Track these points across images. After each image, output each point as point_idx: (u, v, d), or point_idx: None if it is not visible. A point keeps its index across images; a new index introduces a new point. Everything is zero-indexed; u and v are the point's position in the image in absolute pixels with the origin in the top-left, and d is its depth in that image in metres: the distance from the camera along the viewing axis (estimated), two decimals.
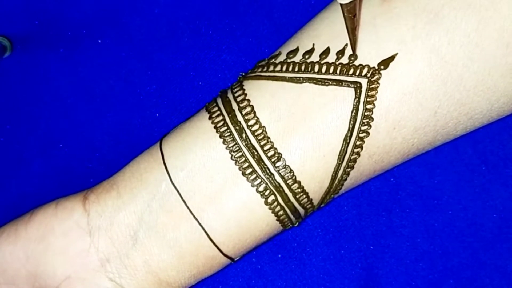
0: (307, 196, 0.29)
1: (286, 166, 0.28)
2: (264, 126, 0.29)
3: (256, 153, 0.29)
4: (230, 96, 0.30)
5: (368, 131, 0.28)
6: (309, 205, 0.30)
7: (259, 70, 0.30)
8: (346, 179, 0.30)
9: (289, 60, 0.30)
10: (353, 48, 0.28)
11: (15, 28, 0.38)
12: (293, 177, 0.29)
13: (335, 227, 0.35)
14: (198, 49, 0.37)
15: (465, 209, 0.35)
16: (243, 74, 0.31)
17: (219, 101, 0.31)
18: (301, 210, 0.30)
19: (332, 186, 0.29)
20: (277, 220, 0.30)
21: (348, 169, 0.29)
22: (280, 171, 0.28)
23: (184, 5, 0.37)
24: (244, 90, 0.30)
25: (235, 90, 0.30)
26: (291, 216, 0.30)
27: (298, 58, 0.29)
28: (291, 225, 0.31)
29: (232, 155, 0.29)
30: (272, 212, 0.29)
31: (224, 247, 0.30)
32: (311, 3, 0.36)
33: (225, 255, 0.30)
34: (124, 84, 0.38)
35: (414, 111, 0.28)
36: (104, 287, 0.29)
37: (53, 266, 0.30)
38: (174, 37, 0.38)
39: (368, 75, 0.28)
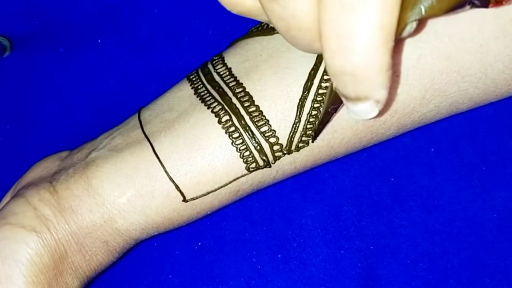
0: (269, 125, 0.28)
1: (246, 92, 0.28)
2: (230, 68, 0.30)
3: (217, 84, 0.30)
4: (208, 61, 0.32)
5: None
6: (272, 138, 0.28)
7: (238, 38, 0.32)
8: (317, 117, 0.28)
9: (265, 25, 0.30)
10: (315, 136, 0.28)
11: (15, 28, 0.38)
12: (251, 101, 0.28)
13: (335, 227, 0.35)
14: (198, 49, 0.37)
15: (465, 209, 0.35)
16: None
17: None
18: (264, 143, 0.28)
19: (300, 121, 0.28)
20: (232, 145, 0.28)
21: (317, 105, 0.28)
22: (238, 96, 0.29)
23: (184, 5, 0.38)
24: (221, 53, 0.31)
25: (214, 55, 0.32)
26: (250, 145, 0.28)
27: None
28: (254, 164, 0.29)
29: (195, 91, 0.30)
30: (226, 132, 0.28)
31: (169, 165, 0.28)
32: None
33: (170, 178, 0.28)
34: (124, 84, 0.38)
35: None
36: (39, 186, 0.30)
37: (23, 182, 0.33)
38: (174, 37, 0.38)
39: None
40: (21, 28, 0.38)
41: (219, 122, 0.28)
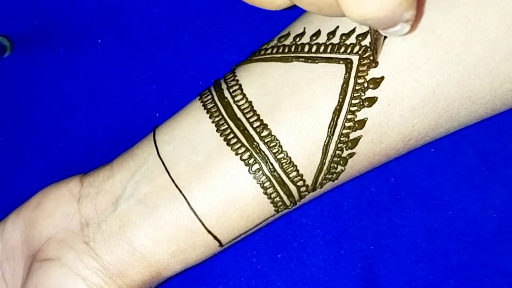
0: (296, 169, 0.28)
1: (272, 136, 0.28)
2: (250, 101, 0.29)
3: (241, 124, 0.28)
4: (221, 80, 0.31)
5: (360, 105, 0.28)
6: (300, 182, 0.29)
7: (251, 56, 0.31)
8: (340, 157, 0.29)
9: (279, 44, 0.30)
10: (375, 57, 0.28)
11: (15, 28, 0.38)
12: (279, 146, 0.28)
13: (335, 227, 0.35)
14: (198, 49, 0.37)
15: (465, 209, 0.35)
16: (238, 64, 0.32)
17: (211, 86, 0.31)
18: (292, 187, 0.29)
19: (325, 162, 0.29)
20: (264, 193, 0.29)
21: (341, 145, 0.28)
22: (265, 140, 0.28)
23: (184, 5, 0.37)
24: (234, 73, 0.30)
25: (227, 74, 0.31)
26: (279, 191, 0.29)
27: (288, 41, 0.30)
28: (283, 205, 0.30)
29: (217, 128, 0.29)
30: (258, 182, 0.28)
31: (206, 220, 0.29)
32: None
33: (208, 231, 0.29)
34: (124, 84, 0.38)
35: (409, 88, 0.28)
36: (76, 249, 0.29)
37: (40, 228, 0.30)
38: (174, 37, 0.38)
39: (360, 52, 0.28)
40: (21, 28, 0.38)
41: (250, 172, 0.28)
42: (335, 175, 0.29)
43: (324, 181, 0.30)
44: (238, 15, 0.37)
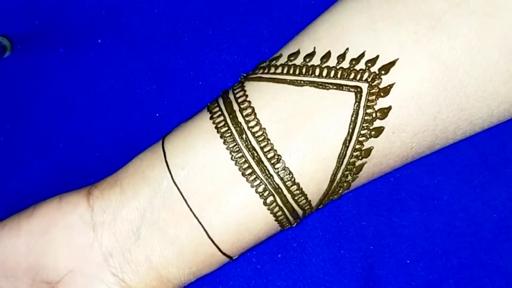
0: (306, 198, 0.29)
1: (286, 168, 0.29)
2: (264, 128, 0.29)
3: (256, 154, 0.29)
4: (231, 96, 0.30)
5: (367, 135, 0.28)
6: (307, 207, 0.30)
7: (260, 71, 0.30)
8: (345, 182, 0.30)
9: (290, 63, 0.30)
10: None
11: (15, 28, 0.38)
12: (292, 179, 0.29)
13: (335, 227, 0.35)
14: (198, 49, 0.37)
15: (465, 209, 0.35)
16: (245, 75, 0.31)
17: (221, 101, 0.31)
18: (300, 211, 0.30)
19: (331, 188, 0.30)
20: (275, 220, 0.30)
21: (347, 172, 0.29)
22: (279, 173, 0.29)
23: (184, 5, 0.37)
24: (245, 91, 0.30)
25: (237, 91, 0.30)
26: (289, 217, 0.30)
27: (299, 61, 0.29)
28: (289, 226, 0.31)
29: (232, 156, 0.29)
30: (271, 213, 0.29)
31: (223, 245, 0.30)
32: (311, 3, 0.36)
33: (224, 254, 0.30)
34: (124, 84, 0.38)
35: (414, 116, 0.28)
36: (108, 281, 0.30)
37: (55, 259, 0.30)
38: (174, 37, 0.38)
39: (369, 79, 0.28)
40: (21, 28, 0.38)
41: (265, 204, 0.29)
42: (337, 196, 0.31)
43: (327, 201, 0.31)
44: (238, 15, 0.37)
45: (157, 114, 0.37)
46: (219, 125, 0.30)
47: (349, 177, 0.30)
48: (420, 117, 0.28)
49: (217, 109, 0.30)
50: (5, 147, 0.38)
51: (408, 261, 0.35)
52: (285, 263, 0.35)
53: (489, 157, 0.35)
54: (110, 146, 0.37)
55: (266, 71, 0.30)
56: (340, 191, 0.30)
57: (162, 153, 0.30)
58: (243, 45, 0.37)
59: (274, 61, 0.30)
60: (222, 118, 0.30)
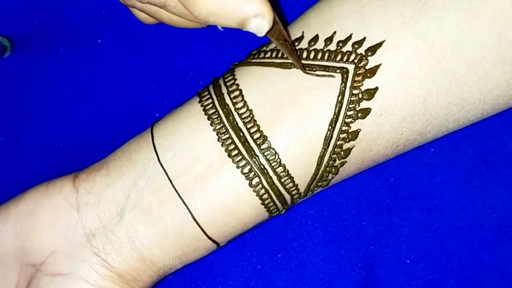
0: (292, 181, 0.29)
1: (271, 149, 0.29)
2: (251, 109, 0.29)
3: (242, 135, 0.29)
4: (221, 81, 0.31)
5: (354, 116, 0.28)
6: (295, 191, 0.30)
7: (251, 57, 0.31)
8: (333, 166, 0.29)
9: (278, 47, 0.30)
10: (300, 67, 0.29)
11: (15, 28, 0.38)
12: (278, 160, 0.29)
13: (335, 227, 0.35)
14: (198, 49, 0.37)
15: (465, 209, 0.35)
16: (236, 63, 0.32)
17: (210, 86, 0.31)
18: (287, 196, 0.30)
19: (318, 172, 0.29)
20: (261, 204, 0.30)
21: (334, 155, 0.29)
22: (265, 154, 0.29)
23: None
24: (234, 75, 0.30)
25: (226, 76, 0.31)
26: (276, 201, 0.30)
27: None
28: (276, 212, 0.31)
29: (219, 137, 0.29)
30: (257, 195, 0.29)
31: (208, 228, 0.30)
32: (310, 3, 0.36)
33: (209, 238, 0.30)
34: (124, 84, 0.38)
35: (402, 98, 0.28)
36: (90, 261, 0.30)
37: (40, 240, 0.30)
38: (174, 37, 0.38)
39: (355, 61, 0.28)
40: (21, 28, 0.38)
41: (250, 185, 0.29)
42: (325, 182, 0.30)
43: (315, 188, 0.31)
44: None
45: (157, 114, 0.37)
46: (206, 108, 0.30)
47: (337, 161, 0.29)
48: (408, 100, 0.28)
49: (206, 93, 0.31)
50: (5, 147, 0.38)
51: (408, 261, 0.35)
52: (285, 263, 0.35)
53: (489, 157, 0.35)
54: (110, 146, 0.37)
55: (256, 56, 0.31)
56: (329, 178, 0.30)
57: (150, 136, 0.31)
58: (243, 45, 0.37)
59: (264, 47, 0.31)
60: (210, 101, 0.30)
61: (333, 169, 0.30)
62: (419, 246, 0.35)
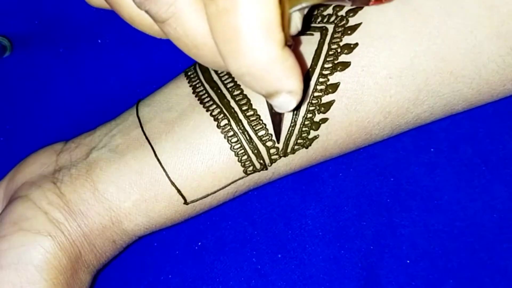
0: (266, 129, 0.29)
1: (243, 94, 0.29)
2: None
3: (215, 85, 0.30)
4: None
5: (332, 69, 0.28)
6: (270, 142, 0.29)
7: None
8: (312, 121, 0.29)
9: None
10: (277, 138, 0.29)
11: (15, 28, 0.38)
12: (249, 104, 0.29)
13: (335, 227, 0.35)
14: None
15: (465, 209, 0.35)
16: None
17: None
18: (261, 147, 0.29)
19: (295, 123, 0.29)
20: (231, 149, 0.29)
21: (313, 108, 0.29)
22: (236, 99, 0.29)
23: None
24: None
25: None
26: (247, 149, 0.29)
27: None
28: (251, 167, 0.30)
29: (194, 90, 0.30)
30: (225, 137, 0.29)
31: (170, 170, 0.29)
32: None
33: (172, 183, 0.29)
34: (124, 84, 0.38)
35: (385, 56, 0.28)
36: (44, 187, 0.30)
37: (19, 177, 0.32)
38: None
39: (336, 21, 0.28)
40: (21, 28, 0.38)
41: (218, 126, 0.29)
42: (308, 141, 0.30)
43: (297, 147, 0.30)
44: None
45: None
46: (188, 72, 0.31)
47: (317, 115, 0.29)
48: (392, 58, 0.28)
49: (192, 67, 0.32)
50: (5, 147, 0.38)
51: (408, 261, 0.35)
52: (285, 263, 0.35)
53: (489, 157, 0.35)
54: None
55: None
56: (310, 136, 0.29)
57: (137, 101, 0.32)
58: None
59: None
60: (193, 69, 0.31)
61: (313, 125, 0.29)
62: (419, 246, 0.35)
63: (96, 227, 0.30)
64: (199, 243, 0.35)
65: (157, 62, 0.38)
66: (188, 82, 0.31)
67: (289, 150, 0.30)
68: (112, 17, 0.38)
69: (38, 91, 0.38)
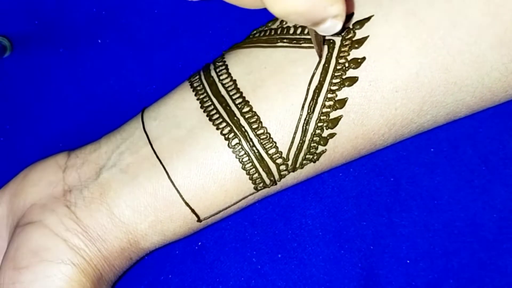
0: (275, 146, 0.29)
1: (253, 112, 0.29)
2: (235, 79, 0.29)
3: (224, 100, 0.29)
4: (211, 64, 0.31)
5: (340, 84, 0.28)
6: (279, 159, 0.29)
7: (241, 42, 0.31)
8: (320, 136, 0.29)
9: (266, 28, 0.30)
10: (320, 55, 0.28)
11: (15, 28, 0.38)
12: (259, 122, 0.28)
13: (335, 227, 0.35)
14: (198, 49, 0.37)
15: (465, 209, 0.35)
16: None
17: (201, 69, 0.32)
18: (271, 164, 0.29)
19: (305, 140, 0.29)
20: (242, 168, 0.29)
21: (321, 124, 0.29)
22: (246, 116, 0.29)
23: (184, 5, 0.37)
24: (223, 56, 0.31)
25: (216, 58, 0.31)
26: (258, 167, 0.29)
27: (275, 25, 0.30)
28: (262, 183, 0.30)
29: (201, 105, 0.30)
30: (237, 157, 0.29)
31: (184, 191, 0.29)
32: None
33: (186, 204, 0.30)
34: (124, 84, 0.38)
35: (391, 69, 0.28)
36: (59, 212, 0.30)
37: (25, 197, 0.31)
38: (174, 37, 0.38)
39: (343, 34, 0.28)
40: (21, 28, 0.38)
41: (229, 146, 0.29)
42: (316, 155, 0.30)
43: (305, 161, 0.30)
44: (238, 15, 0.37)
45: None
46: (193, 82, 0.31)
47: (325, 131, 0.29)
48: (398, 71, 0.28)
49: (196, 73, 0.31)
50: (5, 147, 0.38)
51: (408, 261, 0.35)
52: (285, 263, 0.35)
53: (489, 157, 0.35)
54: None
55: (244, 41, 0.31)
56: (318, 150, 0.29)
57: (141, 111, 0.32)
58: None
59: (255, 31, 0.31)
60: (197, 77, 0.31)
61: (321, 140, 0.29)
62: (419, 246, 0.35)
63: (115, 250, 0.30)
64: (199, 243, 0.36)
65: (157, 62, 0.38)
66: (195, 95, 0.30)
67: (298, 165, 0.30)
68: (112, 17, 0.38)
69: (38, 91, 0.38)
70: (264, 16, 0.37)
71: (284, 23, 0.30)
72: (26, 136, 0.38)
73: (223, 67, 0.30)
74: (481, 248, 0.34)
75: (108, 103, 0.37)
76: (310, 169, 0.31)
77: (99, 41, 0.38)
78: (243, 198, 0.31)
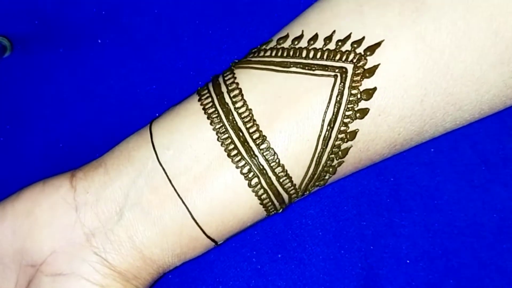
0: (291, 181, 0.29)
1: (270, 149, 0.29)
2: (250, 109, 0.29)
3: (241, 134, 0.29)
4: (220, 80, 0.31)
5: (353, 116, 0.28)
6: (293, 190, 0.30)
7: (250, 56, 0.31)
8: (330, 166, 0.30)
9: (278, 46, 0.30)
10: None
11: (15, 28, 0.38)
12: (277, 160, 0.29)
13: (335, 227, 0.35)
14: (198, 49, 0.37)
15: (465, 209, 0.35)
16: (236, 61, 0.32)
17: (210, 84, 0.31)
18: (285, 196, 0.30)
19: (316, 172, 0.29)
20: (260, 203, 0.30)
21: (332, 155, 0.29)
22: (264, 154, 0.29)
23: (184, 5, 0.38)
24: (234, 74, 0.30)
25: (226, 74, 0.31)
26: (274, 201, 0.30)
27: (287, 44, 0.30)
28: (274, 211, 0.31)
29: (218, 137, 0.29)
30: (256, 195, 0.29)
31: (207, 228, 0.30)
32: (311, 3, 0.36)
33: (208, 237, 0.30)
34: (124, 84, 0.38)
35: (400, 98, 0.28)
36: (90, 261, 0.30)
37: (39, 240, 0.30)
38: (174, 37, 0.38)
39: (354, 60, 0.28)
40: (21, 28, 0.38)
41: (249, 185, 0.29)
42: (323, 181, 0.30)
43: (313, 188, 0.31)
44: (238, 15, 0.37)
45: (157, 114, 0.37)
46: (206, 107, 0.30)
47: (335, 161, 0.29)
48: (406, 100, 0.28)
49: (205, 91, 0.31)
50: (5, 147, 0.38)
51: (408, 261, 0.35)
52: (285, 263, 0.35)
53: (489, 157, 0.35)
54: (110, 146, 0.37)
55: (255, 55, 0.31)
56: (326, 177, 0.30)
57: (148, 134, 0.31)
58: (243, 45, 0.37)
59: (264, 46, 0.31)
60: (210, 99, 0.30)
61: (331, 169, 0.30)
62: (419, 246, 0.35)
63: (148, 282, 0.32)
64: None
65: (157, 62, 0.38)
66: (210, 124, 0.29)
67: (306, 192, 0.31)
68: (112, 17, 0.38)
69: (38, 91, 0.38)
70: (264, 16, 0.37)
71: (296, 42, 0.30)
72: (26, 136, 0.38)
73: (237, 91, 0.29)
74: (481, 248, 0.34)
75: (108, 103, 0.37)
76: (315, 189, 0.32)
77: (99, 41, 0.38)
78: (256, 222, 0.32)
